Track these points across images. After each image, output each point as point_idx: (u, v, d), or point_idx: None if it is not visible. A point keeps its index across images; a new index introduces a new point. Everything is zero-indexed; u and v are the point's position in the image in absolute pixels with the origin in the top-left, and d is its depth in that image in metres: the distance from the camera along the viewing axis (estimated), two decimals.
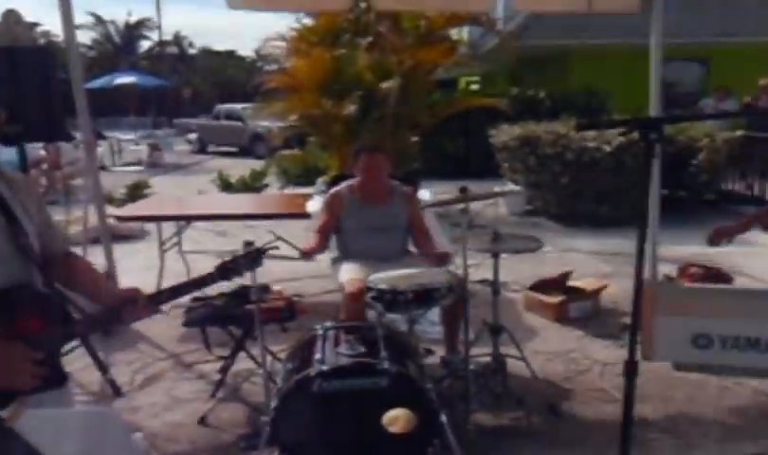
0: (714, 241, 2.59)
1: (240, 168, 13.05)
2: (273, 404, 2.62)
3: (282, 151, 15.15)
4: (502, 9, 4.07)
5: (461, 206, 3.19)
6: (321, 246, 3.68)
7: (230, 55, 49.08)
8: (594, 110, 13.13)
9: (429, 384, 2.77)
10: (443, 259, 3.61)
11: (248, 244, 2.26)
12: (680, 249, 6.53)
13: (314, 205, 4.84)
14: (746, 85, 12.39)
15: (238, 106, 22.99)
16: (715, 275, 4.79)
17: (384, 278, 3.14)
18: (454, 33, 10.77)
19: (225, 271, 2.08)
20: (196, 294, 4.00)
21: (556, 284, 4.97)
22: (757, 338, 1.36)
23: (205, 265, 2.19)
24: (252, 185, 10.68)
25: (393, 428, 2.63)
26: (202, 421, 3.30)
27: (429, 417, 2.68)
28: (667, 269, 5.33)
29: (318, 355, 2.71)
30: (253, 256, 2.21)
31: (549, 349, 4.21)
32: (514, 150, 8.93)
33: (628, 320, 4.33)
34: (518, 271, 5.82)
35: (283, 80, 9.26)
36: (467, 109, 10.96)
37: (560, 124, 8.62)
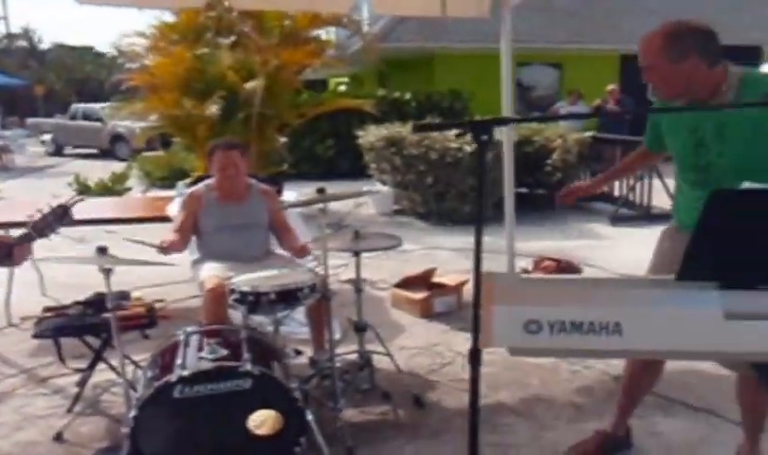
0: (559, 202, 2.84)
1: (100, 170, 12.40)
2: (132, 413, 2.53)
3: (145, 152, 14.56)
4: (364, 12, 4.14)
5: (320, 206, 3.22)
6: (181, 244, 3.59)
7: (87, 51, 46.47)
8: (458, 111, 13.66)
9: (293, 384, 2.78)
10: (303, 251, 3.68)
11: (60, 205, 2.62)
12: (537, 244, 6.95)
13: (174, 207, 4.71)
14: (595, 90, 13.37)
15: (97, 105, 21.86)
16: (565, 267, 5.13)
17: (246, 280, 3.12)
18: (323, 34, 10.84)
19: (38, 229, 2.53)
20: (48, 304, 3.81)
21: (420, 281, 5.13)
22: (581, 323, 1.49)
23: (58, 274, 2.11)
24: (113, 188, 10.18)
25: (259, 430, 2.63)
26: (58, 437, 3.11)
27: (294, 417, 2.69)
28: (524, 263, 5.65)
29: (179, 361, 2.65)
30: (60, 212, 2.59)
31: (415, 344, 4.34)
32: (381, 150, 9.10)
33: None
34: (385, 269, 5.96)
35: (142, 78, 8.91)
36: (336, 110, 11.05)
37: (415, 123, 8.90)
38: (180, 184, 5.16)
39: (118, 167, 12.81)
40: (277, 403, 2.65)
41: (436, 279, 5.18)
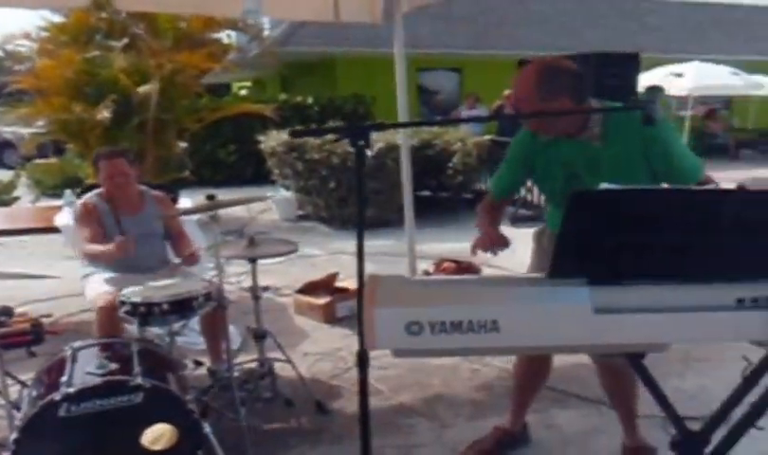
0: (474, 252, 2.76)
1: None
2: (13, 436, 2.41)
3: (36, 160, 13.82)
4: (253, 13, 4.11)
5: (212, 214, 3.18)
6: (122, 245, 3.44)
7: None
8: (361, 116, 13.75)
9: (189, 395, 2.73)
10: (192, 258, 3.67)
11: None
12: (440, 246, 7.09)
13: (62, 218, 4.53)
14: (495, 93, 13.79)
15: None
16: (466, 268, 5.27)
17: (137, 290, 3.04)
18: (224, 37, 10.65)
19: None
20: None
21: (323, 286, 5.14)
22: (460, 322, 1.55)
23: None
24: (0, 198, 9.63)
25: (154, 446, 2.56)
26: None
27: (191, 429, 2.63)
28: (425, 265, 5.76)
29: (64, 378, 2.54)
30: None
31: (318, 349, 4.35)
32: (282, 155, 9.05)
33: None
34: (290, 275, 5.94)
35: (29, 81, 8.47)
36: (238, 115, 10.88)
37: (291, 129, 8.92)
38: (68, 192, 4.95)
39: (5, 175, 12.12)
40: (171, 416, 2.58)
41: (339, 283, 5.21)
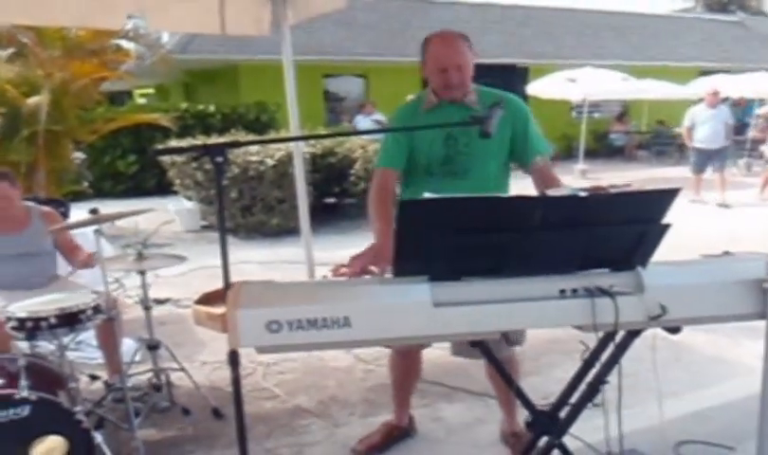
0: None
1: None
2: None
3: None
4: (138, 26, 4.18)
5: (95, 228, 3.26)
6: None
7: None
8: (264, 123, 13.81)
9: (78, 407, 2.83)
10: (88, 260, 3.77)
11: None
12: (341, 252, 7.23)
13: None
14: (399, 99, 14.13)
15: None
16: (361, 274, 5.49)
17: (24, 305, 3.09)
18: (123, 43, 10.50)
19: None
20: None
21: (222, 296, 5.23)
22: (315, 319, 1.77)
23: None
24: None
25: None
26: None
27: (81, 440, 2.75)
28: (324, 271, 5.95)
29: None
30: None
31: (216, 358, 4.46)
32: (182, 166, 9.06)
33: None
34: (193, 287, 6.00)
35: None
36: (138, 124, 10.77)
37: (230, 138, 9.01)
38: None
39: None
40: (61, 428, 2.69)
41: None
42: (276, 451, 3.26)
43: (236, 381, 2.00)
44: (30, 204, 3.90)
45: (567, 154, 16.79)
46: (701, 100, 10.80)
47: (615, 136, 19.07)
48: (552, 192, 1.93)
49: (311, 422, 3.59)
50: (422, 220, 1.79)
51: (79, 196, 9.09)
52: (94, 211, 3.26)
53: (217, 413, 3.63)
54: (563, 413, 2.33)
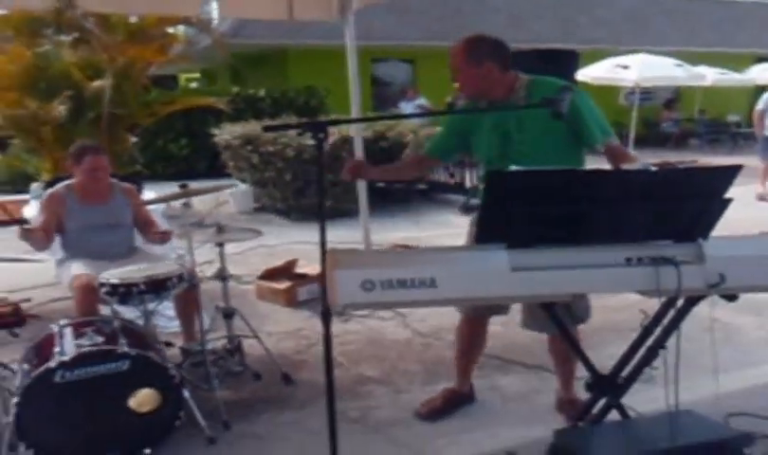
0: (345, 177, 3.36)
1: None
2: (14, 400, 2.79)
3: None
4: (210, 13, 4.46)
5: (183, 201, 3.56)
6: (45, 241, 3.82)
7: None
8: (313, 108, 14.10)
9: (169, 364, 3.14)
10: (165, 236, 4.08)
11: None
12: (393, 235, 7.56)
13: (31, 210, 4.85)
14: (447, 85, 14.28)
15: None
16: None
17: (116, 273, 3.42)
18: (170, 29, 10.89)
19: None
20: None
21: (284, 272, 5.56)
22: (405, 279, 2.01)
23: None
24: None
25: (140, 409, 2.98)
26: None
27: (172, 394, 3.06)
28: None
29: (57, 349, 2.94)
30: None
31: (281, 329, 4.77)
32: (237, 148, 9.39)
33: None
34: (251, 265, 6.32)
35: None
36: (189, 108, 11.15)
37: (281, 123, 9.31)
38: (35, 186, 5.26)
39: None
40: (155, 382, 3.01)
41: (299, 269, 5.63)
42: (345, 413, 3.51)
43: (327, 337, 2.25)
44: (114, 180, 4.22)
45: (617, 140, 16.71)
46: (761, 87, 10.69)
47: (667, 124, 18.92)
48: (625, 167, 2.12)
49: (375, 388, 3.85)
50: (507, 190, 2.02)
51: (132, 177, 9.50)
52: (183, 186, 3.56)
53: (286, 378, 3.92)
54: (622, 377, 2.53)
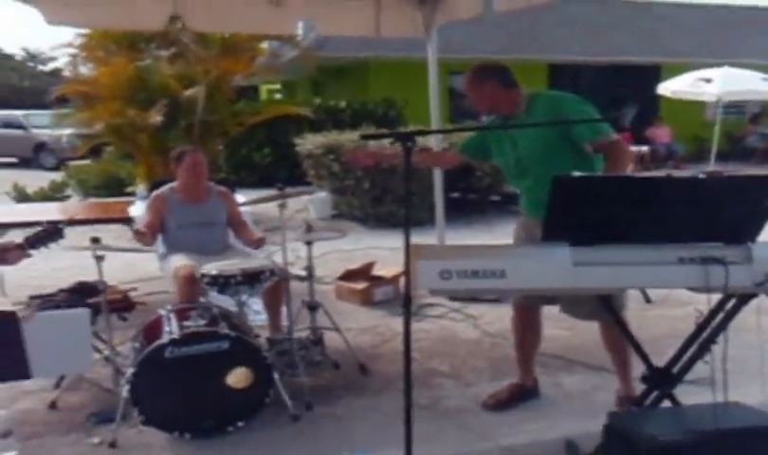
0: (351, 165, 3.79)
1: (26, 179, 12.67)
2: (131, 371, 3.22)
3: (73, 161, 14.82)
4: (304, 30, 4.80)
5: (278, 202, 3.95)
6: (150, 238, 4.27)
7: None
8: (392, 119, 14.49)
9: (263, 346, 3.52)
10: (260, 242, 4.46)
11: (50, 222, 3.22)
12: (467, 243, 7.79)
13: (137, 209, 5.37)
14: None
15: (18, 113, 21.80)
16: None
17: (215, 265, 3.83)
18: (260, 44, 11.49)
19: (31, 242, 3.12)
20: (33, 293, 4.40)
21: (361, 274, 5.92)
22: (478, 270, 2.29)
23: (15, 277, 2.76)
24: (53, 196, 10.59)
25: (236, 385, 3.37)
26: (53, 406, 3.74)
27: (264, 374, 3.43)
28: None
29: (167, 328, 3.36)
30: (51, 230, 3.17)
31: (358, 326, 5.11)
32: (319, 157, 9.85)
33: (423, 301, 5.41)
34: (329, 267, 6.71)
35: (81, 88, 9.41)
36: (273, 118, 11.71)
37: (361, 133, 9.73)
38: (141, 188, 5.80)
39: (45, 176, 13.02)
40: (250, 362, 3.39)
41: (375, 272, 5.98)
42: (417, 401, 3.76)
43: (407, 321, 2.53)
44: (211, 183, 4.66)
45: (698, 156, 16.46)
46: None
47: (752, 139, 18.45)
48: (677, 174, 2.37)
49: (445, 381, 4.14)
50: (571, 194, 2.30)
51: (225, 181, 10.09)
52: (281, 188, 3.95)
53: (363, 369, 4.25)
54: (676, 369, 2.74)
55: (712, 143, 12.90)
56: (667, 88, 13.94)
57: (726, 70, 13.27)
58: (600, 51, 17.81)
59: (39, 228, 3.13)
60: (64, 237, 3.17)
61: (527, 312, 3.67)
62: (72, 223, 3.29)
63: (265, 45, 13.11)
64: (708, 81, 13.15)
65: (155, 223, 4.40)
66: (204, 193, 4.57)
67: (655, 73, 16.96)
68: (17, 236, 3.39)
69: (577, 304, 3.32)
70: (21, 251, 3.02)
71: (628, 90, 16.92)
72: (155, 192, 4.60)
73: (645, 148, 15.37)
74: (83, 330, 3.16)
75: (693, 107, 16.22)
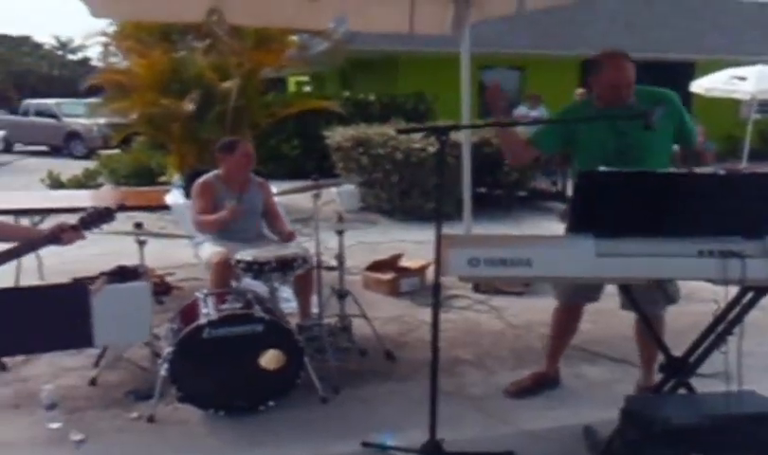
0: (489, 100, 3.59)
1: (58, 168, 13.02)
2: (169, 349, 3.42)
3: (103, 150, 15.19)
4: (336, 24, 4.94)
5: (312, 193, 4.12)
6: (212, 224, 4.47)
7: (24, 41, 45.96)
8: (422, 113, 14.61)
9: (294, 330, 3.70)
10: (291, 236, 4.64)
11: (108, 208, 3.40)
12: None
13: (173, 198, 5.57)
14: (557, 93, 14.45)
15: (51, 101, 22.35)
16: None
17: (250, 252, 4.01)
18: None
19: (86, 223, 3.27)
20: (75, 276, 4.63)
21: (388, 265, 6.08)
22: (505, 259, 2.43)
23: (54, 262, 2.94)
24: (87, 184, 10.91)
25: (269, 366, 3.55)
26: (93, 382, 3.96)
27: (295, 356, 3.61)
28: None
29: (205, 310, 3.56)
30: (104, 212, 3.34)
31: (385, 315, 5.26)
32: (348, 150, 10.03)
33: (449, 292, 5.56)
34: (357, 258, 6.85)
35: (116, 78, 9.69)
36: (303, 111, 11.90)
37: (390, 127, 9.90)
38: (176, 177, 6.01)
39: (75, 165, 13.33)
40: (282, 344, 3.57)
41: (402, 263, 6.13)
42: (441, 388, 3.92)
43: (436, 305, 2.69)
44: (250, 174, 4.84)
45: (731, 155, 16.34)
46: None
47: None
48: (698, 170, 2.49)
49: (468, 369, 4.30)
50: (595, 187, 2.44)
51: (261, 172, 10.33)
52: (316, 178, 4.13)
53: (389, 355, 4.42)
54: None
55: (745, 142, 12.84)
56: (700, 86, 13.88)
57: (761, 68, 13.18)
58: (633, 47, 17.70)
59: (92, 210, 3.32)
60: (115, 219, 3.35)
61: (570, 311, 3.80)
62: (121, 208, 3.48)
63: (294, 37, 13.33)
64: (743, 79, 13.08)
65: (207, 208, 4.53)
66: (246, 183, 4.74)
67: (689, 70, 16.87)
68: (55, 221, 3.57)
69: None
70: (75, 232, 3.18)
71: (661, 87, 16.80)
72: (202, 180, 4.68)
73: (676, 147, 15.27)
74: (145, 302, 3.50)
75: (727, 105, 16.11)
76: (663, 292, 3.03)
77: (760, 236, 2.51)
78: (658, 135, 3.13)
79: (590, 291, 3.62)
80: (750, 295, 2.65)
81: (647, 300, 3.15)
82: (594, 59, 3.45)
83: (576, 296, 3.68)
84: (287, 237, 4.65)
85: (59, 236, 3.14)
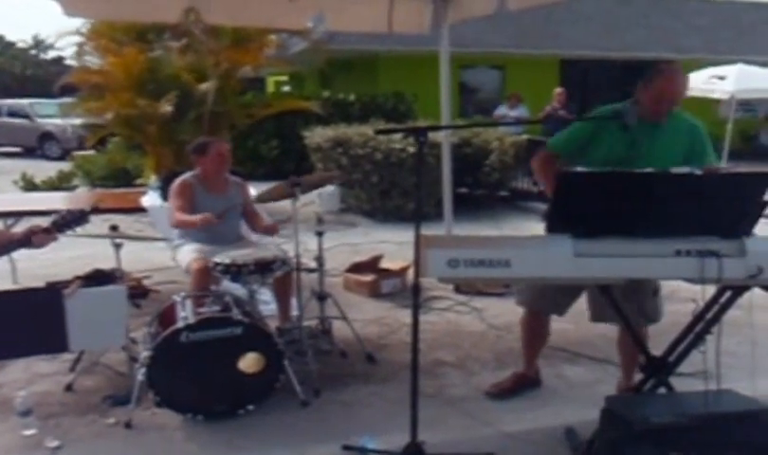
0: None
1: (34, 169, 12.89)
2: (146, 354, 3.40)
3: (78, 151, 15.04)
4: (314, 23, 4.93)
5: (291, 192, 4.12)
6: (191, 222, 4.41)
7: None
8: (401, 113, 14.63)
9: (274, 333, 3.70)
10: (271, 229, 4.64)
11: (81, 210, 3.42)
12: None
13: (150, 200, 5.55)
14: (536, 92, 14.55)
15: (24, 101, 22.07)
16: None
17: (228, 255, 4.00)
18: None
19: (59, 225, 3.29)
20: (50, 280, 4.58)
21: (369, 266, 6.09)
22: (484, 260, 2.45)
23: (31, 265, 2.93)
24: (61, 186, 10.80)
25: (248, 370, 3.54)
26: (69, 388, 3.92)
27: (275, 359, 3.61)
28: None
29: (182, 314, 3.54)
30: (78, 215, 3.35)
31: (365, 317, 5.27)
32: (328, 151, 10.01)
33: (430, 293, 5.58)
34: (337, 260, 6.86)
35: (90, 78, 9.60)
36: (281, 111, 11.86)
37: (370, 127, 9.90)
38: (153, 178, 5.98)
39: (49, 166, 13.16)
40: (262, 347, 3.56)
41: (383, 265, 6.15)
42: (422, 389, 3.92)
43: (415, 307, 2.71)
44: (227, 174, 4.83)
45: None
46: None
47: (766, 137, 18.55)
48: (674, 170, 2.53)
49: (449, 370, 4.32)
50: (573, 188, 2.47)
51: (239, 173, 10.29)
52: (296, 183, 4.13)
53: (370, 358, 4.43)
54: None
55: (725, 141, 12.98)
56: None
57: (740, 67, 13.35)
58: (615, 47, 17.91)
59: (65, 212, 3.30)
60: (90, 222, 3.33)
61: (536, 318, 3.82)
62: (96, 211, 3.46)
63: (273, 37, 13.29)
64: (722, 78, 13.22)
65: (185, 209, 4.48)
66: (224, 184, 4.73)
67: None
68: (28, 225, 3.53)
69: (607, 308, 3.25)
70: (48, 234, 3.17)
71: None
72: (181, 180, 4.65)
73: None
74: (121, 306, 3.48)
75: (706, 105, 16.28)
76: (640, 311, 3.11)
77: (737, 236, 2.56)
78: (670, 150, 3.16)
79: (557, 300, 3.59)
80: (728, 294, 2.69)
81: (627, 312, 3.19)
82: (657, 68, 3.30)
83: (538, 302, 3.67)
84: (270, 230, 4.68)
85: (31, 239, 3.11)
